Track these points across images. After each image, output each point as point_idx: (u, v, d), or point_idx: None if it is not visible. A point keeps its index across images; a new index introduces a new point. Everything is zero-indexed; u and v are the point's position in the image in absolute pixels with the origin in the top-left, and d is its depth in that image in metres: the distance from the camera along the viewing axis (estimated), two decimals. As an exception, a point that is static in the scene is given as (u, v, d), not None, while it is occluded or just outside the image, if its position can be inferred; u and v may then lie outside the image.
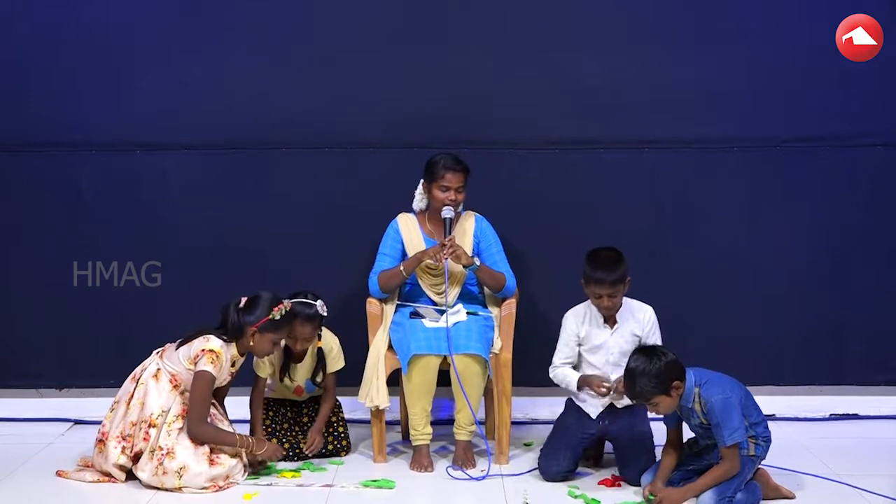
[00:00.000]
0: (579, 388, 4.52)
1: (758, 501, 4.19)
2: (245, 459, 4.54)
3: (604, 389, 4.43)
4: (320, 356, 4.84)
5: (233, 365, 4.57)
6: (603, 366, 4.55)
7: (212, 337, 4.48)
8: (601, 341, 4.55)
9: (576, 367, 4.62)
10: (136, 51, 5.31)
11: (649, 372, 4.10)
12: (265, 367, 4.78)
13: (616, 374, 4.51)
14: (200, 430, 4.41)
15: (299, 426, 4.87)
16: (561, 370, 4.60)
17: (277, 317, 4.50)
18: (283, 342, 4.72)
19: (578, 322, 4.59)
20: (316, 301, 4.68)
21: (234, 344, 4.54)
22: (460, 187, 4.86)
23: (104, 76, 5.30)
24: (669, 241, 5.36)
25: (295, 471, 4.62)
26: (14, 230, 5.39)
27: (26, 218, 5.38)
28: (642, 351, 4.21)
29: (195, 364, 4.44)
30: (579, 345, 4.59)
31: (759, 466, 4.27)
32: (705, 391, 4.15)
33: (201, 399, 4.43)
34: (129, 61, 5.30)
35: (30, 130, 5.33)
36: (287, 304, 4.56)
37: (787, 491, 4.30)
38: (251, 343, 4.53)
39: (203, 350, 4.44)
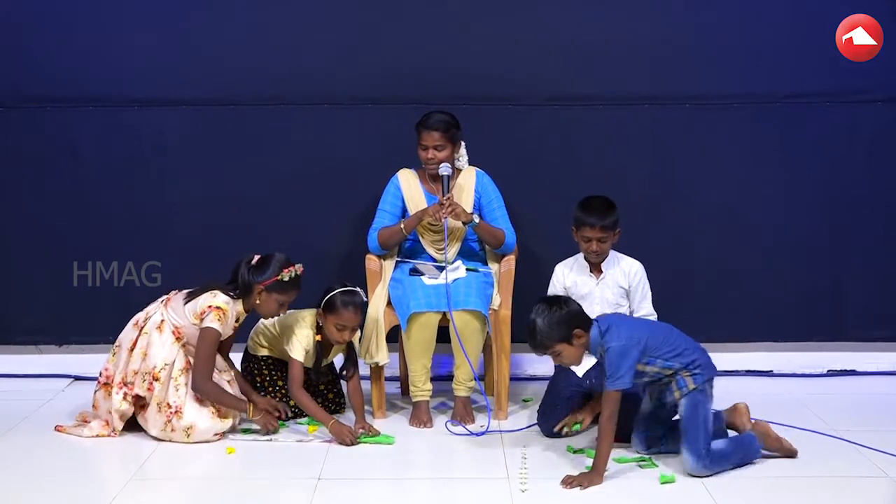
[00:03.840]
0: None
1: (756, 453, 4.15)
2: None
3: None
4: (350, 348, 4.75)
5: (237, 321, 4.57)
6: (590, 315, 4.56)
7: (219, 293, 4.48)
8: (587, 290, 4.59)
9: None
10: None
11: (549, 319, 4.03)
12: (300, 350, 4.59)
13: None
14: (205, 387, 4.44)
15: (311, 388, 4.73)
16: None
17: (286, 278, 4.48)
18: (318, 336, 4.63)
19: (566, 271, 4.66)
20: (355, 288, 4.59)
21: (240, 301, 4.54)
22: (438, 145, 4.83)
23: (100, 31, 5.26)
24: (669, 197, 5.35)
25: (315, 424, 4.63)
26: (11, 184, 5.38)
27: (24, 172, 5.37)
28: (544, 300, 4.14)
29: (201, 320, 4.44)
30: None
31: (759, 419, 4.27)
32: (606, 339, 4.06)
33: (207, 356, 4.44)
34: (127, 15, 5.27)
35: (27, 85, 5.29)
36: (298, 267, 4.52)
37: (789, 444, 4.22)
38: (257, 301, 4.52)
39: (210, 306, 4.44)
